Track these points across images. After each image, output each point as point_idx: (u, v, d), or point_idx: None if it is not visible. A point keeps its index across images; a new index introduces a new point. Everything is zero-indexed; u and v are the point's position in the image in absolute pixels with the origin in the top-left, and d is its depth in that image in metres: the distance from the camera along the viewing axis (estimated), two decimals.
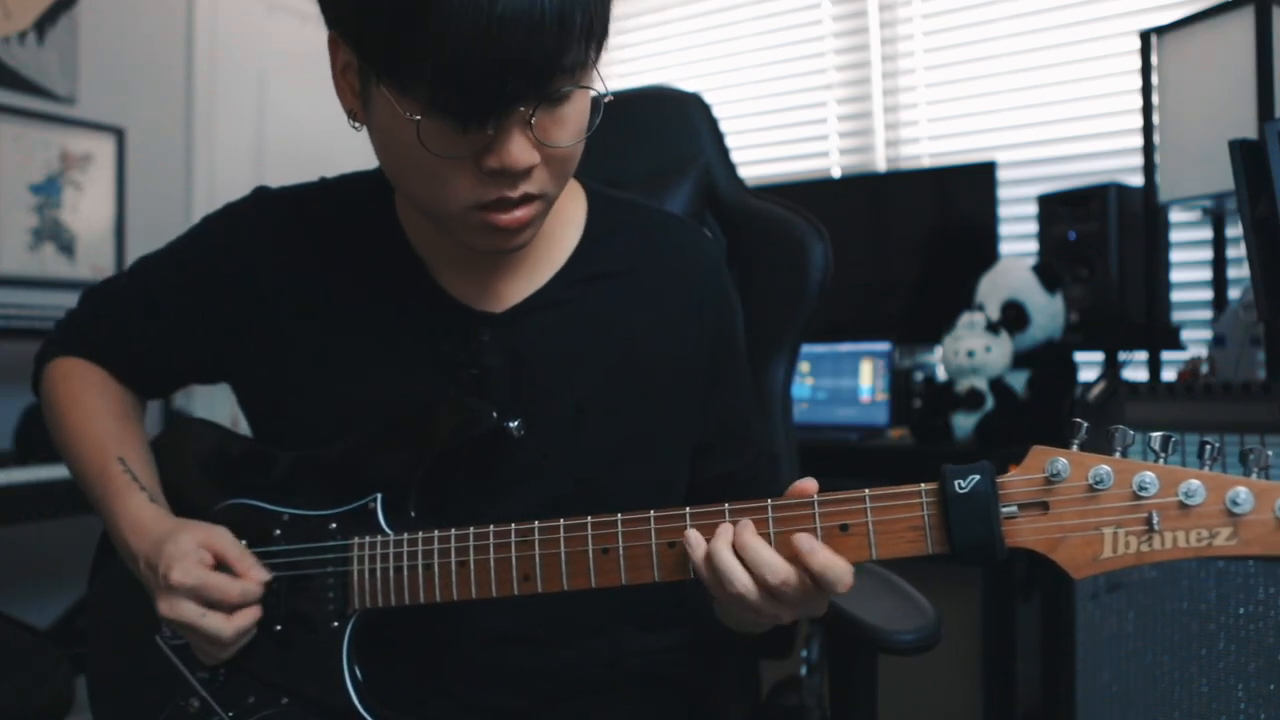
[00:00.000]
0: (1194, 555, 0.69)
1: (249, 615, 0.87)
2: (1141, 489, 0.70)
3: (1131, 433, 0.72)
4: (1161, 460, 0.71)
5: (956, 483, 0.72)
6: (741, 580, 0.75)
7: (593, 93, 0.80)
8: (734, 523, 0.77)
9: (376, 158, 0.87)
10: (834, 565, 0.74)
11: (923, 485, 0.74)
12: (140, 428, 1.05)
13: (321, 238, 0.97)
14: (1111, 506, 0.71)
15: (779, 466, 1.11)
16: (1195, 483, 0.69)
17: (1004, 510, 0.72)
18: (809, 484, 0.78)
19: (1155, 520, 0.69)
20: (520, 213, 0.82)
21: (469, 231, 0.84)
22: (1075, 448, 0.73)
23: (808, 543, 0.75)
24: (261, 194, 1.01)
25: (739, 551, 0.76)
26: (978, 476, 0.72)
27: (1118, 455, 0.72)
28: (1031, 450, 0.73)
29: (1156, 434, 0.71)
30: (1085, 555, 0.71)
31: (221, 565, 0.88)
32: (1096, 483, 0.71)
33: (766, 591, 0.76)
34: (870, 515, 0.75)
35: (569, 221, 0.98)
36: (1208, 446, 0.70)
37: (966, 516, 0.72)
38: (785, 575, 0.75)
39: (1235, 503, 0.68)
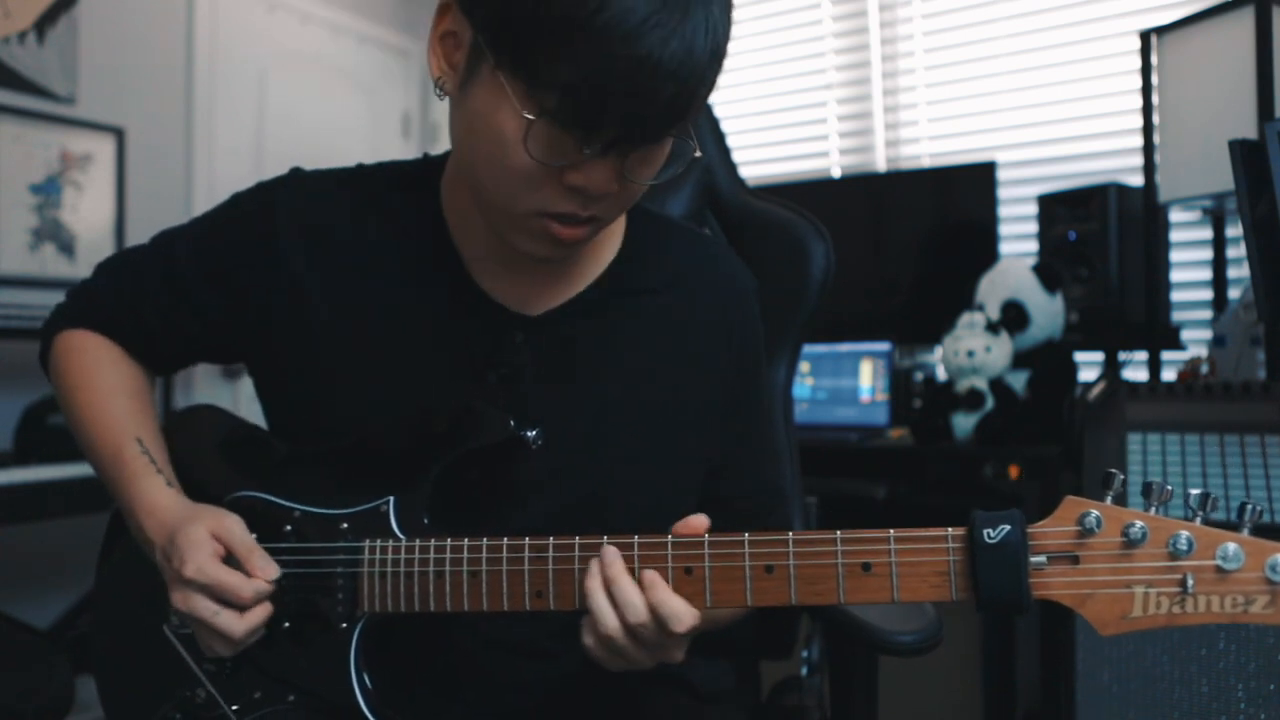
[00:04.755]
0: (1228, 621, 0.67)
1: (261, 613, 0.86)
2: (1177, 549, 0.68)
3: (1169, 487, 0.70)
4: (1198, 519, 0.69)
5: (986, 531, 0.71)
6: (610, 620, 0.77)
7: (695, 150, 0.83)
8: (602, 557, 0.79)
9: (451, 134, 0.87)
10: (668, 603, 0.76)
11: (949, 530, 0.73)
12: (153, 408, 1.03)
13: (358, 222, 0.96)
14: (1145, 565, 0.69)
15: (784, 500, 1.09)
16: (1233, 546, 0.67)
17: (1032, 560, 0.71)
18: (700, 520, 0.80)
19: (1190, 583, 0.67)
20: (580, 231, 0.83)
21: (524, 234, 0.85)
22: (1109, 499, 0.71)
23: (653, 577, 0.77)
24: (297, 174, 1.00)
25: (608, 586, 0.78)
26: (1008, 527, 0.70)
27: (1153, 511, 0.70)
28: (1064, 500, 0.71)
29: (1195, 491, 0.69)
30: (1114, 613, 0.69)
31: (230, 558, 0.87)
32: (1130, 539, 0.69)
33: (627, 630, 0.77)
34: (894, 556, 0.74)
35: (608, 234, 0.97)
36: (1248, 507, 0.68)
37: (994, 568, 0.70)
38: (642, 615, 0.77)
39: (1274, 570, 0.65)
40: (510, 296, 0.94)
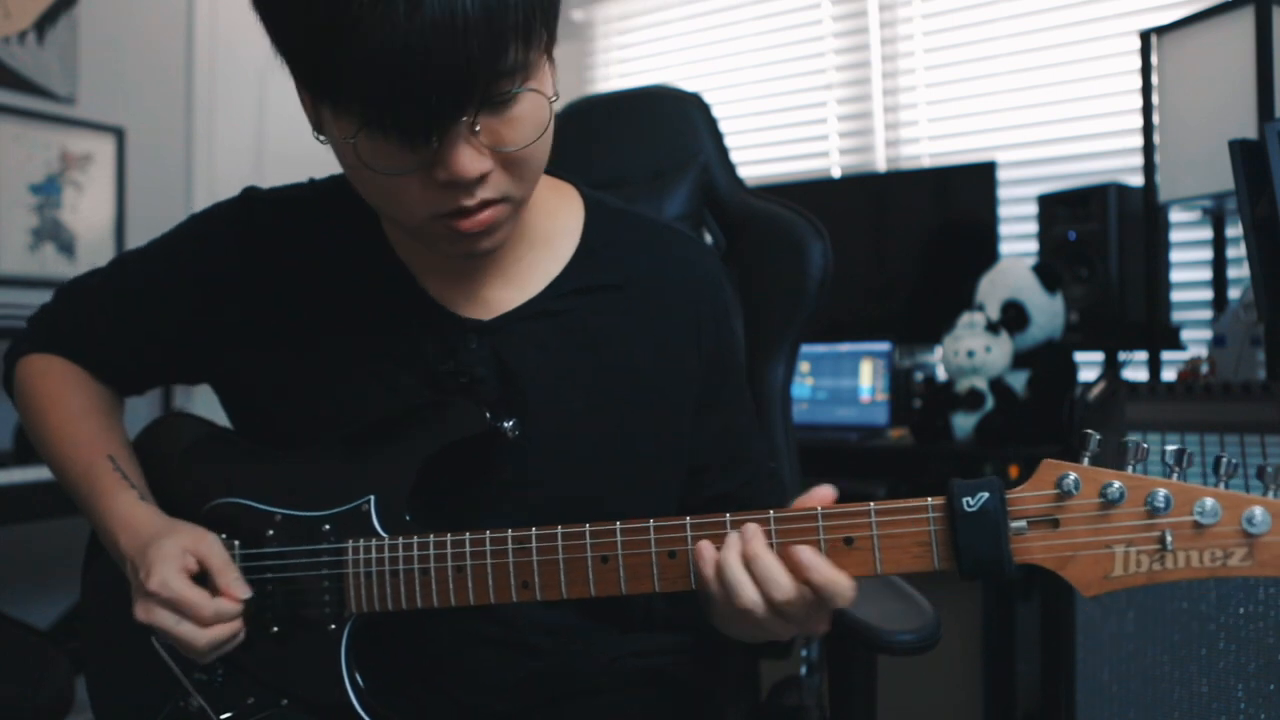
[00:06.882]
0: (1207, 575, 0.68)
1: (224, 630, 0.85)
2: (1155, 506, 0.68)
3: (1145, 445, 0.70)
4: (1176, 475, 0.69)
5: (965, 500, 0.71)
6: (749, 594, 0.75)
7: (542, 95, 0.77)
8: (741, 533, 0.77)
9: None
10: (835, 581, 0.74)
11: (929, 500, 0.73)
12: (123, 426, 1.04)
13: (308, 241, 0.96)
14: (1124, 525, 0.69)
15: (781, 483, 1.09)
16: (1210, 501, 0.67)
17: (1013, 526, 0.71)
18: (826, 491, 0.77)
19: (1168, 539, 0.68)
20: (484, 215, 0.80)
21: (438, 240, 0.83)
22: (1086, 461, 0.71)
23: (809, 557, 0.74)
24: (250, 194, 1.00)
25: (748, 563, 0.75)
26: (987, 494, 0.71)
27: (1130, 470, 0.70)
28: (1042, 464, 0.72)
29: (1171, 447, 0.70)
30: (1095, 573, 0.70)
31: (204, 573, 0.86)
32: (1108, 499, 0.69)
33: (772, 607, 0.75)
34: (875, 529, 0.74)
35: (564, 230, 0.97)
36: (1223, 461, 0.68)
37: (974, 534, 0.71)
38: (790, 592, 0.74)
39: (1251, 522, 0.66)
40: (461, 303, 0.93)
